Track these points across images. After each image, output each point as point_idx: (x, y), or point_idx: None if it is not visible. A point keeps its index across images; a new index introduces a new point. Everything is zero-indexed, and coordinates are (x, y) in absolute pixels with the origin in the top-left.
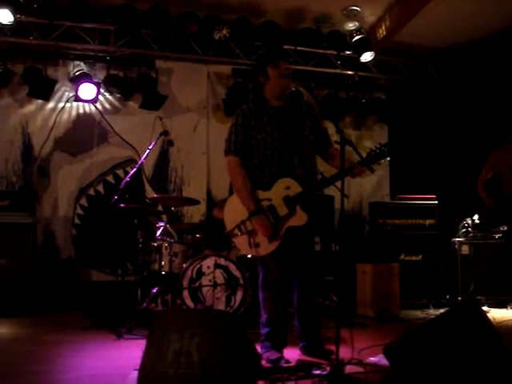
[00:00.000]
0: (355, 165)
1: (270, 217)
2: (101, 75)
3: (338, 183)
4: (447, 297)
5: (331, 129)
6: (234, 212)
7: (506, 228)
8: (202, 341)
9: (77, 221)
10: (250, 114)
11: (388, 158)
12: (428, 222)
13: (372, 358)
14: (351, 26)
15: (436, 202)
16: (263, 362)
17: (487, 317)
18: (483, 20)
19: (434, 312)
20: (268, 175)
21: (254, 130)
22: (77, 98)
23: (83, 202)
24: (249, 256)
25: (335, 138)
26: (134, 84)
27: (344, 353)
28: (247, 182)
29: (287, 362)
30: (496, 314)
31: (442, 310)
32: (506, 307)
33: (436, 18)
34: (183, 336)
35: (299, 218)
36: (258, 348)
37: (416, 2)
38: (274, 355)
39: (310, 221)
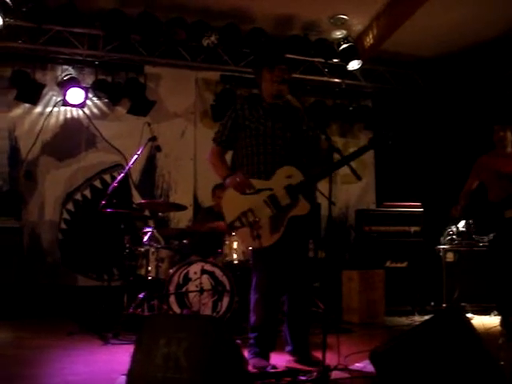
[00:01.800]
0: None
1: (271, 207)
2: (89, 80)
3: (325, 190)
4: (432, 304)
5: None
6: (233, 205)
7: (491, 236)
8: (190, 346)
9: (63, 225)
10: (243, 107)
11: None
12: (413, 229)
13: (358, 364)
14: (339, 34)
15: (421, 209)
16: (250, 368)
17: (471, 324)
18: (468, 29)
19: (418, 319)
20: (264, 162)
21: (248, 120)
22: (65, 103)
23: (70, 206)
24: (235, 262)
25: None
26: (122, 89)
27: (330, 359)
28: (223, 161)
29: (274, 367)
30: (480, 321)
31: (426, 317)
32: (489, 314)
33: (422, 27)
34: (171, 341)
35: (302, 208)
36: (246, 353)
37: (402, 11)
38: (261, 362)
39: (310, 214)
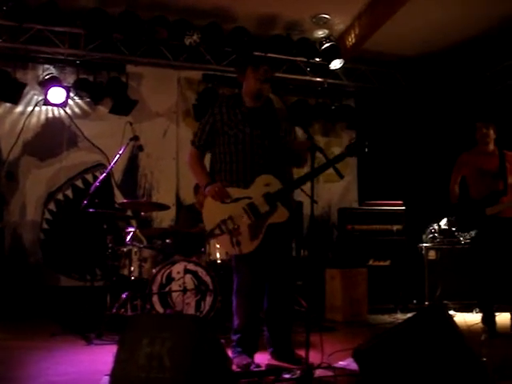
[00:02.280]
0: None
1: (250, 215)
2: (70, 79)
3: (307, 189)
4: (414, 301)
5: (301, 135)
6: (213, 213)
7: (473, 233)
8: (173, 345)
9: (45, 225)
10: (221, 111)
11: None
12: (395, 227)
13: (341, 362)
14: (321, 33)
15: (403, 207)
16: (234, 367)
17: (453, 321)
18: (450, 29)
19: (401, 316)
20: (243, 171)
21: (226, 126)
22: (46, 102)
23: (51, 206)
24: (219, 261)
25: None
26: (104, 88)
27: (313, 357)
28: (202, 167)
29: (258, 366)
30: (462, 318)
31: (409, 315)
32: (471, 311)
33: (403, 26)
34: (155, 341)
35: (280, 215)
36: (229, 353)
37: (384, 11)
38: (244, 360)
39: (290, 220)
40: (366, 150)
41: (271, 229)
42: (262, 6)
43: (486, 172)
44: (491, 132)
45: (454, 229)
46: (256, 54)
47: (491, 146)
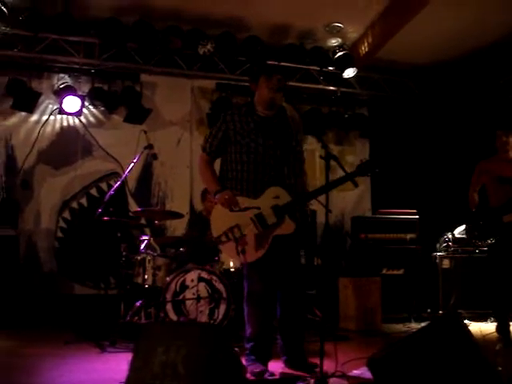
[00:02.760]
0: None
1: (257, 225)
2: (85, 88)
3: (322, 198)
4: (428, 310)
5: (315, 144)
6: (221, 220)
7: (492, 241)
8: (188, 353)
9: (59, 234)
10: (233, 119)
11: (377, 170)
12: (409, 236)
13: (355, 371)
14: (334, 42)
15: (417, 216)
16: (248, 375)
17: (468, 330)
18: (464, 36)
19: (415, 325)
20: (253, 181)
21: (238, 135)
22: (61, 111)
23: (66, 214)
24: (232, 269)
25: (320, 152)
26: (119, 97)
27: (328, 366)
28: (213, 173)
29: (272, 374)
30: (477, 327)
31: (423, 324)
32: (486, 320)
33: (417, 35)
34: (169, 348)
35: (287, 227)
36: (243, 361)
37: (397, 19)
38: (258, 368)
39: (297, 231)
40: (377, 170)
41: (277, 240)
42: (275, 15)
43: (506, 179)
44: (511, 139)
45: (471, 236)
46: (269, 62)
47: (511, 154)
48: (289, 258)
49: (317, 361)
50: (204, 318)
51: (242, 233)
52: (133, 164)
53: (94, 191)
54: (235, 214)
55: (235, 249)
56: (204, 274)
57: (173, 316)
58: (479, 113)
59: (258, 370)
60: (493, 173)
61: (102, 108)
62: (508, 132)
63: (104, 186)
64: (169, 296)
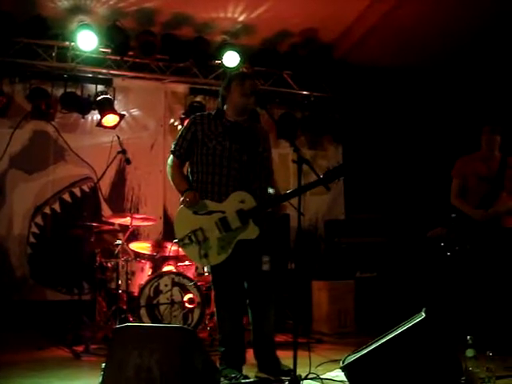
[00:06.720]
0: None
1: (221, 229)
2: (58, 92)
3: (294, 201)
4: (402, 313)
5: (287, 148)
6: (185, 222)
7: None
8: (161, 356)
9: (32, 239)
10: (202, 121)
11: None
12: (382, 239)
13: (329, 373)
14: (308, 46)
15: (390, 219)
16: (222, 379)
17: (443, 332)
18: (434, 40)
19: (389, 328)
20: (218, 183)
21: (206, 137)
22: (33, 115)
23: (39, 220)
24: (206, 274)
25: (292, 157)
26: (92, 102)
27: (301, 368)
28: (181, 174)
29: (246, 378)
30: None
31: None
32: None
33: (388, 38)
34: (143, 352)
35: (251, 232)
36: (218, 365)
37: (371, 24)
38: (232, 373)
39: (261, 236)
40: (342, 177)
41: (241, 244)
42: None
43: (484, 178)
44: (497, 137)
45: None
46: (242, 67)
47: (496, 152)
48: (252, 264)
49: (290, 363)
50: (178, 323)
51: (206, 236)
52: (106, 169)
53: (66, 196)
54: (199, 217)
55: (198, 252)
56: (178, 279)
57: (147, 321)
58: (452, 117)
59: (232, 375)
60: (472, 170)
61: (75, 113)
62: (496, 128)
63: (77, 191)
64: (143, 301)
